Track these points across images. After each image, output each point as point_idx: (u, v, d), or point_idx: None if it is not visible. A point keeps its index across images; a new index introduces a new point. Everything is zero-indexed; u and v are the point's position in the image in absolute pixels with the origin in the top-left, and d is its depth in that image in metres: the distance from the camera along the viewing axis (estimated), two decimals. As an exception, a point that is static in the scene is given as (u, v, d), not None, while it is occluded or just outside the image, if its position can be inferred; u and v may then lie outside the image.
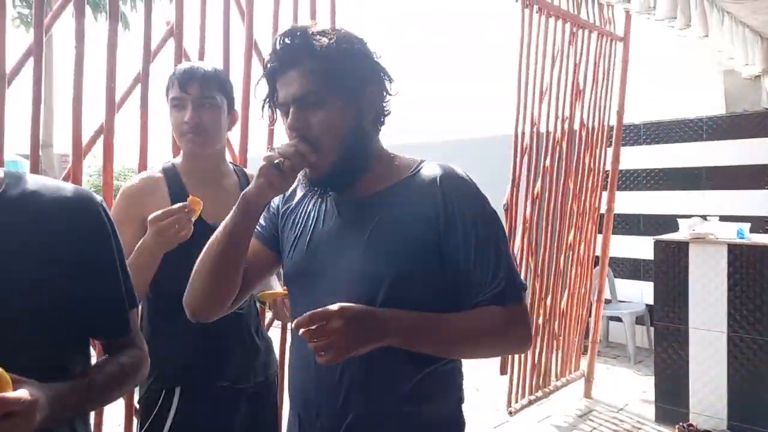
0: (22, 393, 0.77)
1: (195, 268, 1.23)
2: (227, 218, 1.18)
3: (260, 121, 1.33)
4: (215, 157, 1.76)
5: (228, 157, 1.89)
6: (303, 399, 1.24)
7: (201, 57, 2.17)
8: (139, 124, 2.00)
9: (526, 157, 3.68)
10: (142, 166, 1.94)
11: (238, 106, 2.22)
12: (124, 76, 1.96)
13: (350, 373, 1.14)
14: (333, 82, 1.12)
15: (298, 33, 1.13)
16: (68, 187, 1.05)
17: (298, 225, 1.28)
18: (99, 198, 1.06)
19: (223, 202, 1.50)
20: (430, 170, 1.19)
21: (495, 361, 3.57)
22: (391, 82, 1.21)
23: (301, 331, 0.99)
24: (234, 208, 1.16)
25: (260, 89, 1.21)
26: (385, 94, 1.20)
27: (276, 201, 1.34)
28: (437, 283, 1.14)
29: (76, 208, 1.01)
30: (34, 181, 1.01)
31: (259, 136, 2.32)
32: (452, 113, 8.45)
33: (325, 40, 1.12)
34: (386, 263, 1.12)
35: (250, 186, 1.14)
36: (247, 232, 1.20)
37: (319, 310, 0.99)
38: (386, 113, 1.22)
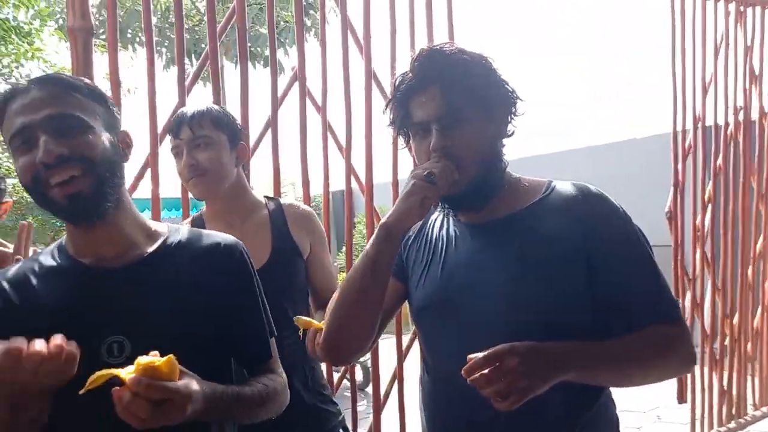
0: (183, 385, 0.87)
1: (333, 306, 1.19)
2: (367, 248, 1.14)
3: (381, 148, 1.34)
4: (232, 195, 1.68)
5: (260, 186, 1.90)
6: None
7: (324, 95, 2.29)
8: (272, 168, 2.17)
9: (690, 158, 3.28)
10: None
11: (360, 135, 2.33)
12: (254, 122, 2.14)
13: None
14: (474, 100, 1.11)
15: (438, 51, 1.13)
16: (217, 236, 1.17)
17: (426, 253, 1.25)
18: (241, 243, 1.18)
19: (251, 239, 1.45)
20: (565, 190, 1.16)
21: (672, 386, 3.18)
22: (518, 102, 1.17)
23: (473, 376, 0.92)
24: (374, 237, 1.13)
25: (378, 116, 1.24)
26: (513, 114, 1.18)
27: None
28: (592, 304, 1.10)
29: (223, 253, 1.13)
30: (187, 231, 1.16)
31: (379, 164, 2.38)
32: (599, 114, 7.89)
33: (466, 58, 1.12)
34: (539, 286, 1.08)
35: (391, 212, 1.12)
36: (391, 261, 1.16)
37: (490, 351, 0.93)
38: (511, 134, 1.19)
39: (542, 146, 9.70)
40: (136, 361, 0.85)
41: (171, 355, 0.86)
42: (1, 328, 0.91)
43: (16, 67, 3.51)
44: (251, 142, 2.11)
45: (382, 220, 1.12)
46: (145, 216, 1.19)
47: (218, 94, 2.10)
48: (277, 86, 2.21)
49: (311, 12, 9.87)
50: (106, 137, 1.02)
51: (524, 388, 0.92)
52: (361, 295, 1.15)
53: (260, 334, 1.16)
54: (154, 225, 1.14)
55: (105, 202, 1.00)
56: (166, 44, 10.65)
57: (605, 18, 8.22)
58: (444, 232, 1.23)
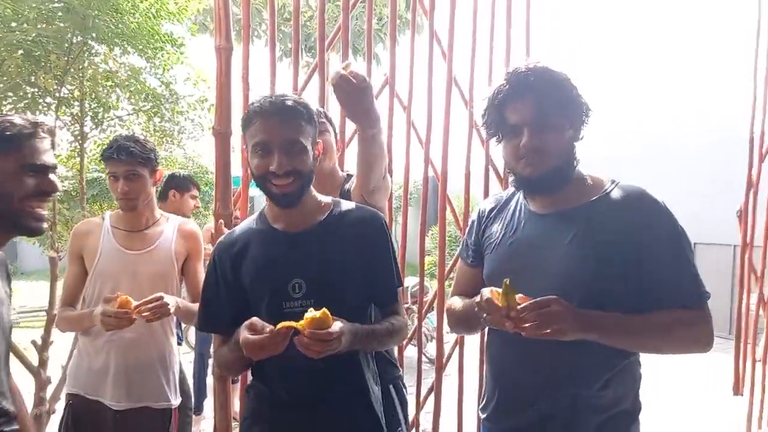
0: (337, 328, 1.29)
1: (450, 315, 1.62)
2: (466, 315, 1.55)
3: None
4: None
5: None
6: (513, 386, 1.48)
7: (410, 95, 2.72)
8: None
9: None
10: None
11: (439, 131, 2.73)
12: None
13: (562, 366, 1.38)
14: (559, 110, 1.36)
15: (533, 68, 1.38)
16: (365, 208, 1.61)
17: (500, 232, 1.53)
18: (382, 215, 1.60)
19: None
20: (624, 190, 1.40)
21: (728, 379, 3.30)
22: (589, 112, 1.42)
23: (525, 314, 1.21)
24: (470, 314, 1.47)
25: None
26: (586, 122, 1.43)
27: (474, 220, 1.63)
28: (630, 290, 1.32)
29: (370, 220, 1.56)
30: (344, 204, 1.59)
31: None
32: (673, 112, 7.66)
33: (554, 75, 1.38)
34: (584, 267, 1.33)
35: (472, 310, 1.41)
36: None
37: (540, 299, 1.21)
38: (582, 137, 1.44)
39: (621, 144, 9.49)
40: (305, 316, 1.28)
41: (325, 309, 1.29)
42: (232, 272, 1.51)
43: (167, 71, 4.28)
44: (347, 135, 2.59)
45: (475, 308, 1.35)
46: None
47: (323, 90, 2.56)
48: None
49: (405, 17, 10.26)
50: (311, 154, 1.46)
51: (558, 329, 1.20)
52: (470, 329, 1.67)
53: (391, 283, 1.57)
54: (324, 200, 1.56)
55: (302, 197, 1.47)
56: (279, 38, 11.51)
57: (681, 16, 7.93)
58: (516, 216, 1.51)
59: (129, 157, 2.10)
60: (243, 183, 2.50)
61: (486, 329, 1.68)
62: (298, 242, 1.49)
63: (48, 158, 1.31)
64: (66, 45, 3.83)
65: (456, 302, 1.60)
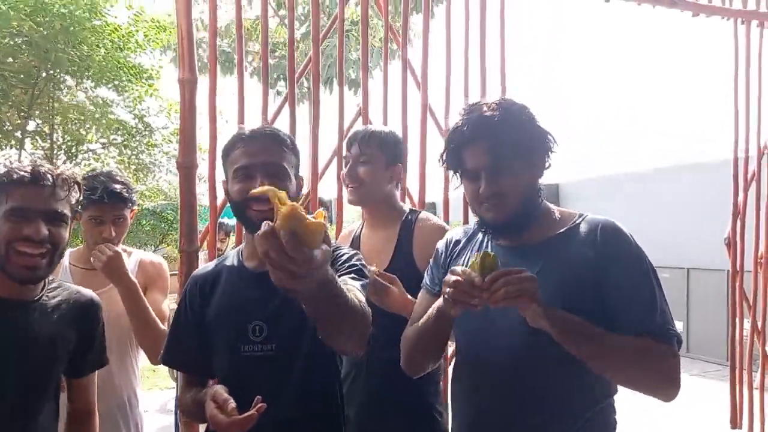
0: (321, 249, 0.91)
1: (409, 343, 1.47)
2: (429, 322, 1.38)
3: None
4: (382, 205, 1.98)
5: None
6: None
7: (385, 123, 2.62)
8: (336, 192, 2.52)
9: (753, 185, 3.28)
10: (339, 226, 2.44)
11: (416, 163, 2.63)
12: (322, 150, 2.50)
13: (524, 409, 1.31)
14: (516, 151, 1.32)
15: (487, 112, 1.33)
16: (346, 248, 1.49)
17: (467, 262, 1.48)
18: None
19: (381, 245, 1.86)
20: (591, 223, 1.37)
21: (726, 410, 3.18)
22: (554, 144, 1.39)
23: (492, 279, 1.16)
24: (434, 316, 1.36)
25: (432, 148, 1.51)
26: (549, 154, 1.40)
27: (441, 248, 1.58)
28: (598, 322, 1.26)
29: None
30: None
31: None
32: (661, 139, 7.79)
33: (511, 115, 1.33)
34: (552, 302, 1.26)
35: (443, 302, 1.28)
36: (448, 328, 1.41)
37: (513, 268, 1.19)
38: (548, 167, 1.41)
39: (609, 167, 9.61)
40: (288, 205, 0.89)
41: (323, 214, 0.92)
42: (200, 307, 1.42)
43: (139, 103, 4.20)
44: (320, 168, 2.48)
45: (437, 305, 1.33)
46: None
47: (293, 119, 2.46)
48: (343, 120, 2.56)
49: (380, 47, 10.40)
50: (294, 183, 1.40)
51: (529, 294, 1.16)
52: (429, 346, 1.45)
53: None
54: None
55: None
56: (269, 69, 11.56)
57: (672, 40, 8.13)
58: (483, 246, 1.47)
59: (118, 202, 2.00)
60: (211, 218, 2.38)
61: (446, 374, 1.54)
62: (264, 282, 1.37)
63: (38, 204, 1.27)
64: (32, 80, 3.75)
65: (413, 326, 1.49)
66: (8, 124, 4.11)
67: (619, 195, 9.24)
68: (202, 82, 2.26)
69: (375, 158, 1.88)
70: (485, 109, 1.34)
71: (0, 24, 3.38)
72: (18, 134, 4.47)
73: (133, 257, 2.19)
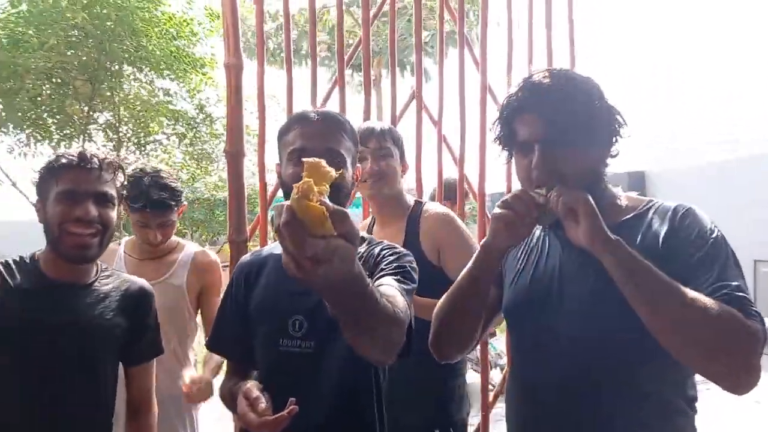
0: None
1: (439, 313, 1.32)
2: (470, 266, 1.25)
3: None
4: (393, 198, 1.92)
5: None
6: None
7: (440, 110, 2.46)
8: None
9: None
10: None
11: (476, 146, 2.47)
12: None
13: (586, 409, 1.15)
14: (577, 125, 1.15)
15: (543, 78, 1.18)
16: (396, 247, 1.36)
17: (520, 260, 1.36)
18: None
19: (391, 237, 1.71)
20: (662, 208, 1.20)
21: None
22: (623, 124, 1.22)
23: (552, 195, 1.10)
24: (475, 256, 1.25)
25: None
26: (617, 136, 1.23)
27: None
28: None
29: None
30: (373, 242, 1.37)
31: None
32: (731, 128, 7.20)
33: (571, 84, 1.17)
34: (615, 305, 1.08)
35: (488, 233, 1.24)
36: (490, 278, 1.27)
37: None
38: (615, 155, 1.25)
39: (704, 154, 8.99)
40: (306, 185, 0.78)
41: (331, 208, 0.78)
42: (244, 295, 1.37)
43: (198, 92, 4.24)
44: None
45: (483, 241, 1.25)
46: None
47: (343, 104, 2.35)
48: (396, 104, 2.42)
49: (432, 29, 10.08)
50: (350, 172, 1.30)
51: (588, 211, 1.07)
52: (463, 307, 1.28)
53: None
54: None
55: None
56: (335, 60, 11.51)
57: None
58: (540, 242, 1.33)
59: (164, 210, 1.98)
60: (261, 207, 2.31)
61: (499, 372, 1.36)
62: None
63: (86, 186, 1.31)
64: (92, 72, 3.83)
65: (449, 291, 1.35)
66: (75, 117, 4.21)
67: (716, 184, 8.55)
68: (268, 71, 2.18)
69: (392, 152, 1.87)
70: (544, 75, 1.18)
71: (56, 17, 3.45)
72: (85, 127, 4.57)
73: (186, 250, 2.16)
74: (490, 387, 2.71)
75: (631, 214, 1.21)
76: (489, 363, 5.33)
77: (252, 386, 1.16)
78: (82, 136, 5.01)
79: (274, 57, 11.75)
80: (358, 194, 2.16)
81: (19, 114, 4.42)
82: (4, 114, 4.29)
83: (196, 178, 6.93)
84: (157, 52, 3.77)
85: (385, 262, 1.25)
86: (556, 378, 1.17)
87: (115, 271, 1.53)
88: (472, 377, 2.91)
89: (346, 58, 2.39)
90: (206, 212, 8.62)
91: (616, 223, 1.19)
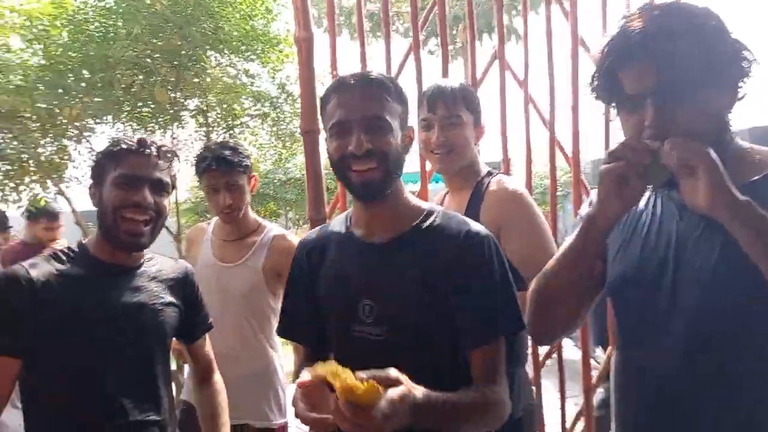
0: (384, 406, 0.93)
1: (538, 290, 1.17)
2: (573, 238, 1.11)
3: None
4: (466, 172, 1.73)
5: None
6: None
7: (525, 69, 2.26)
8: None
9: None
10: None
11: (567, 104, 2.25)
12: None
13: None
14: (697, 70, 0.95)
15: (657, 12, 0.98)
16: (466, 224, 1.23)
17: (626, 229, 1.15)
18: (486, 234, 1.22)
19: None
20: None
21: None
22: (753, 61, 1.00)
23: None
24: (579, 227, 1.09)
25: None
26: (745, 77, 1.01)
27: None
28: None
29: (465, 242, 1.20)
30: (441, 215, 1.25)
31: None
32: None
33: (689, 18, 0.97)
34: (743, 274, 0.93)
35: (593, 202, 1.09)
36: (595, 251, 1.10)
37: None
38: (741, 97, 1.03)
39: None
40: (340, 380, 0.95)
41: (373, 383, 0.94)
42: (309, 278, 1.31)
43: (277, 71, 4.26)
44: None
45: (587, 211, 1.09)
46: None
47: (419, 72, 2.21)
48: (476, 66, 2.25)
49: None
50: (398, 136, 1.20)
51: (705, 155, 0.89)
52: (565, 286, 1.13)
53: (489, 326, 1.18)
54: (417, 205, 1.28)
55: (387, 189, 1.19)
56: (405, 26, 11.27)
57: None
58: (650, 206, 1.12)
59: (228, 167, 2.01)
60: (340, 185, 2.25)
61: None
62: (375, 254, 1.23)
63: (144, 172, 1.31)
64: (174, 57, 3.92)
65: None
66: (166, 105, 4.34)
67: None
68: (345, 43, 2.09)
69: (464, 119, 1.68)
70: (652, 12, 0.98)
71: (139, 6, 3.55)
72: (176, 114, 4.71)
73: (266, 233, 2.16)
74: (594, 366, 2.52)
75: (763, 174, 0.99)
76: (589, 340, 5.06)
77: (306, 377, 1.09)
78: (175, 123, 5.18)
79: (353, 29, 11.70)
80: (414, 168, 2.01)
81: (116, 106, 4.61)
82: (104, 107, 4.50)
83: (285, 159, 7.03)
84: (234, 33, 3.78)
85: (468, 301, 1.17)
86: (675, 356, 1.01)
87: (155, 254, 1.54)
88: (573, 354, 2.74)
89: (420, 22, 2.23)
90: (298, 192, 8.76)
91: (745, 182, 0.97)
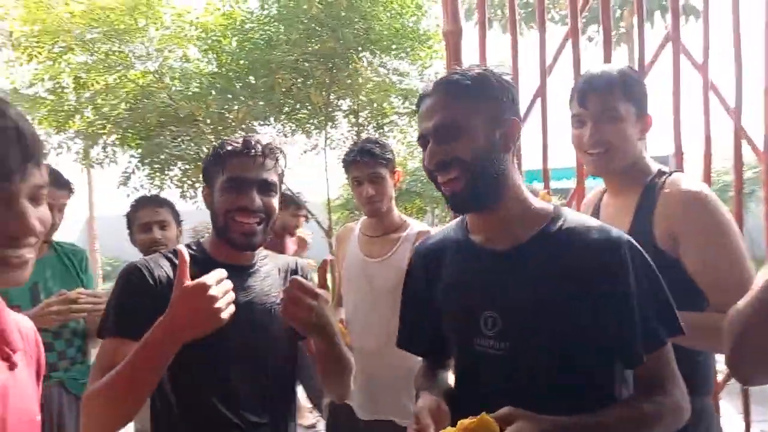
0: None
1: (735, 322, 0.98)
2: None
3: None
4: (630, 172, 1.48)
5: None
6: None
7: (705, 51, 1.98)
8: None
9: None
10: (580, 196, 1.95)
11: (756, 89, 1.94)
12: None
13: None
14: None
15: None
16: (602, 229, 1.10)
17: None
18: (626, 240, 1.10)
19: (619, 219, 1.40)
20: None
21: None
22: None
23: None
24: None
25: None
26: None
27: None
28: None
29: (604, 248, 1.08)
30: (571, 218, 1.15)
31: None
32: None
33: None
34: None
35: None
36: None
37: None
38: None
39: None
40: (460, 424, 0.92)
41: (484, 415, 0.92)
42: (427, 287, 1.25)
43: (426, 68, 4.26)
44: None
45: None
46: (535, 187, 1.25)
47: (577, 60, 2.04)
48: (644, 50, 2.01)
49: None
50: (483, 136, 1.09)
51: None
52: None
53: (632, 341, 1.06)
54: (539, 207, 1.16)
55: (481, 195, 1.10)
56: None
57: None
58: None
59: (371, 159, 2.04)
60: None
61: None
62: (497, 262, 1.13)
63: (250, 174, 1.30)
64: (328, 59, 4.08)
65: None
66: (319, 105, 4.55)
67: None
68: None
69: (623, 112, 1.42)
70: None
71: (297, 11, 3.74)
72: (330, 114, 4.93)
73: (410, 230, 2.14)
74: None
75: None
76: None
77: (425, 408, 1.04)
78: (329, 124, 5.42)
79: (503, 21, 11.40)
80: (570, 163, 1.83)
81: (276, 108, 4.92)
82: (267, 110, 4.83)
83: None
84: (385, 32, 3.83)
85: (617, 313, 1.05)
86: None
87: (268, 252, 1.51)
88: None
89: (580, 3, 2.05)
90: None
91: None
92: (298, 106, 5.09)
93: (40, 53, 4.57)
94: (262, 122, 5.34)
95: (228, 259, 1.34)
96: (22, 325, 0.89)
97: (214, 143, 5.15)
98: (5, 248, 0.76)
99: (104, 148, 4.94)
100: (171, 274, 1.27)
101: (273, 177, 1.34)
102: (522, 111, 1.47)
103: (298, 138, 6.24)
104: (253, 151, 1.32)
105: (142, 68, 4.79)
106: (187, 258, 1.11)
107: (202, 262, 1.27)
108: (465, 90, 1.11)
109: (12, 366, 0.82)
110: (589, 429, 0.99)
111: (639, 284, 1.05)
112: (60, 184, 2.17)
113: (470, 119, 1.09)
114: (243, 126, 5.13)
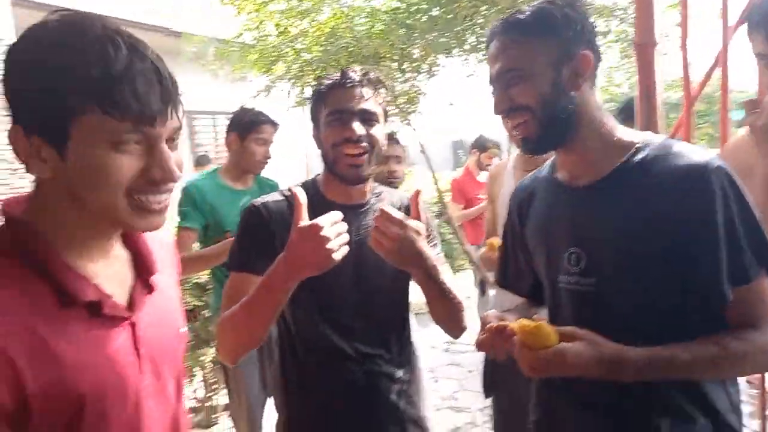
0: (560, 350, 0.93)
1: None
2: None
3: None
4: None
5: None
6: None
7: None
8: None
9: None
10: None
11: None
12: None
13: None
14: None
15: None
16: (688, 155, 1.03)
17: None
18: (714, 165, 1.01)
19: None
20: None
21: None
22: None
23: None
24: None
25: None
26: None
27: None
28: None
29: (688, 176, 1.01)
30: (657, 146, 1.08)
31: None
32: None
33: None
34: None
35: None
36: None
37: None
38: None
39: None
40: (519, 322, 0.97)
41: (541, 323, 0.95)
42: (520, 225, 1.27)
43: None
44: None
45: None
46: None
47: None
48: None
49: None
50: (548, 77, 1.06)
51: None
52: None
53: (715, 274, 0.99)
54: (624, 139, 1.11)
55: (550, 137, 1.10)
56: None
57: None
58: None
59: None
60: (686, 102, 1.96)
61: None
62: (579, 198, 1.13)
63: (350, 105, 1.30)
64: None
65: None
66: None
67: None
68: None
69: None
70: None
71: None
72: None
73: None
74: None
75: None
76: None
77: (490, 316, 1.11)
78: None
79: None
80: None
81: (462, 39, 4.82)
82: (445, 44, 4.77)
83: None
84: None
85: (708, 242, 0.99)
86: None
87: (384, 188, 1.50)
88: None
89: None
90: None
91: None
92: (483, 37, 4.89)
93: (246, 5, 5.00)
94: (447, 55, 5.25)
95: (341, 198, 1.36)
96: (157, 238, 0.93)
97: (401, 79, 5.25)
98: (146, 194, 0.75)
99: (302, 89, 5.32)
100: (287, 213, 1.30)
101: (373, 107, 1.33)
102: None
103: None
104: (350, 82, 1.31)
105: (330, 11, 5.00)
106: (303, 200, 1.15)
107: (318, 204, 1.27)
108: (524, 30, 1.07)
109: (151, 290, 0.85)
110: (661, 363, 0.93)
111: (726, 212, 0.99)
112: (272, 121, 2.47)
113: (531, 62, 1.06)
114: (427, 61, 5.10)
